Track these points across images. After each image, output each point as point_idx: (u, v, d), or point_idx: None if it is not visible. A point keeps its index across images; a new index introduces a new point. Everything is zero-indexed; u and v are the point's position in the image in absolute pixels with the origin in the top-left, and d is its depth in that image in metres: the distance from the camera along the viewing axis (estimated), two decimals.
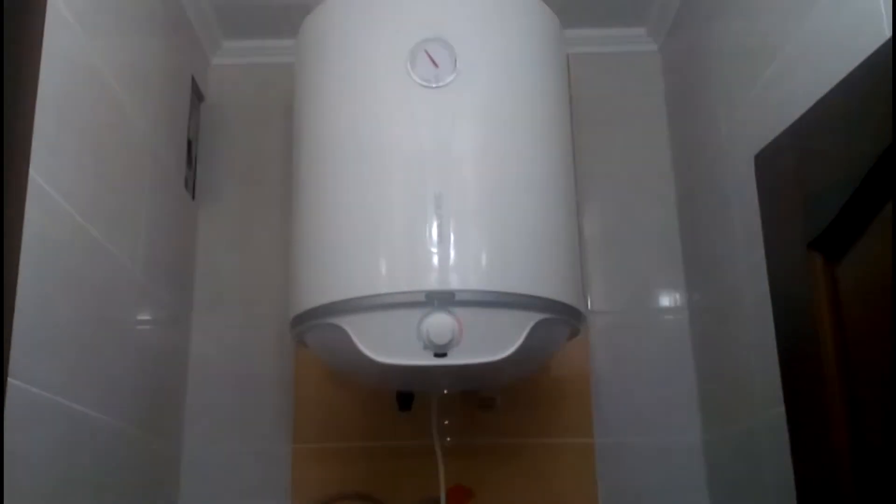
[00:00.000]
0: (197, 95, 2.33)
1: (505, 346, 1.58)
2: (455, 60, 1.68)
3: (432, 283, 1.57)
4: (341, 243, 1.65)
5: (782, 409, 1.36)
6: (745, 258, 1.81)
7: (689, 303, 2.24)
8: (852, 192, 1.13)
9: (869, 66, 1.11)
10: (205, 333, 2.24)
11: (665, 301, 2.29)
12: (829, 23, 1.41)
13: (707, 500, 2.10)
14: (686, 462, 2.13)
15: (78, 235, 1.51)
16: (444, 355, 1.55)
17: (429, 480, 1.95)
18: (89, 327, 1.56)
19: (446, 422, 2.07)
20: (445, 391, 1.95)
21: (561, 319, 1.67)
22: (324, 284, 1.65)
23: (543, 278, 1.65)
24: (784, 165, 1.34)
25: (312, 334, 1.71)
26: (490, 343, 1.58)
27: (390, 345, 1.58)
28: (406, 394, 1.95)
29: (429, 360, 1.56)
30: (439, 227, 1.59)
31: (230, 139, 2.40)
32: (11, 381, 1.21)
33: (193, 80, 2.28)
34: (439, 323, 1.54)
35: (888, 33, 1.18)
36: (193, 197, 2.29)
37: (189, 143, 2.25)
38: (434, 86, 1.67)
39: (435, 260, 1.59)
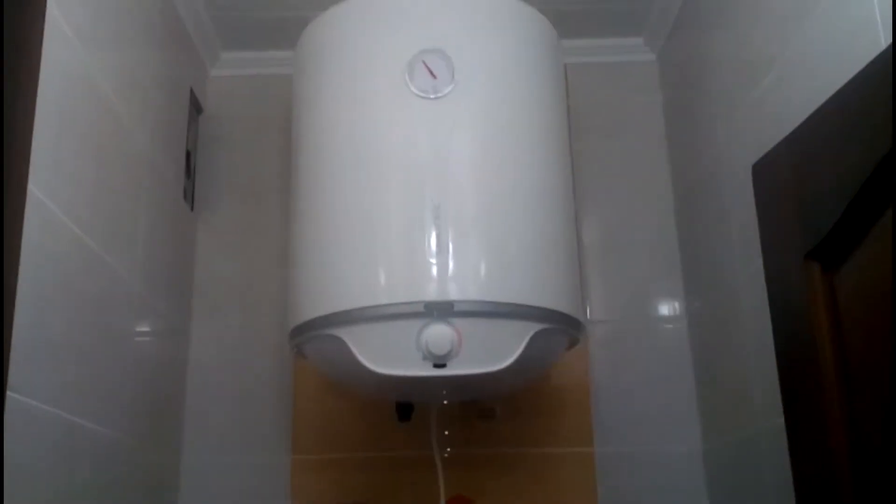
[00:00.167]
0: (195, 107, 2.33)
1: (504, 356, 1.58)
2: (453, 71, 1.69)
3: (431, 293, 1.57)
4: (340, 254, 1.65)
5: (782, 417, 1.36)
6: (743, 267, 1.81)
7: (687, 311, 2.24)
8: (850, 201, 1.13)
9: (866, 76, 1.12)
10: (203, 344, 2.24)
11: (664, 309, 2.29)
12: (826, 33, 1.41)
13: None
14: (686, 470, 2.13)
15: (76, 247, 1.51)
16: (443, 366, 1.56)
17: (429, 491, 1.96)
18: (88, 338, 1.56)
19: (446, 432, 2.07)
20: (445, 401, 1.95)
21: (560, 329, 1.67)
22: (323, 295, 1.65)
23: (542, 288, 1.65)
24: (782, 175, 1.34)
25: (311, 345, 1.71)
26: (489, 353, 1.58)
27: (389, 355, 1.58)
28: (405, 404, 1.94)
29: (428, 371, 1.56)
30: (438, 237, 1.59)
31: (229, 150, 2.40)
32: (10, 393, 1.21)
33: (192, 91, 2.28)
34: (438, 333, 1.55)
35: (885, 43, 1.19)
36: (192, 208, 2.29)
37: (188, 154, 2.25)
38: (432, 97, 1.68)
39: (434, 270, 1.59)
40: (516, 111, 1.75)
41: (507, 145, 1.72)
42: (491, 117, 1.72)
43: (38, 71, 1.32)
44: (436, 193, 1.63)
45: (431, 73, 1.69)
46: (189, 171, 2.27)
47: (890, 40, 1.16)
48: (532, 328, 1.61)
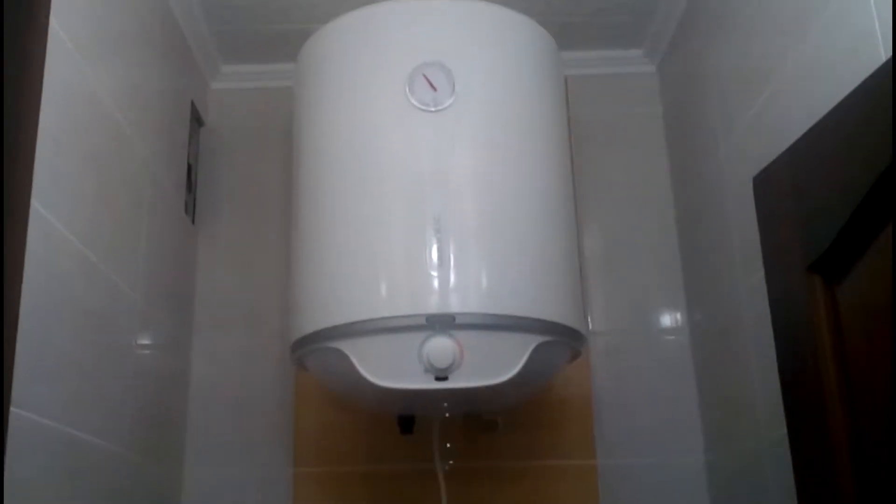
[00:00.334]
0: (196, 120, 2.34)
1: (506, 369, 1.58)
2: (453, 84, 1.69)
3: (433, 306, 1.57)
4: (341, 267, 1.65)
5: (784, 428, 1.36)
6: (745, 278, 1.81)
7: (689, 323, 2.24)
8: (851, 213, 1.13)
9: (866, 90, 1.12)
10: (205, 358, 2.23)
11: (666, 321, 2.29)
12: (826, 46, 1.42)
13: None
14: (689, 483, 2.12)
15: (78, 261, 1.51)
16: (445, 379, 1.55)
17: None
18: (89, 353, 1.56)
19: (448, 445, 2.07)
20: (447, 414, 1.95)
21: (562, 342, 1.67)
22: (324, 308, 1.65)
23: (544, 300, 1.65)
24: (782, 187, 1.35)
25: (313, 358, 1.71)
26: (491, 366, 1.58)
27: (391, 368, 1.58)
28: (407, 417, 1.94)
29: (430, 384, 1.56)
30: (439, 250, 1.59)
31: (230, 163, 2.40)
32: (13, 409, 1.21)
33: (193, 104, 2.29)
34: (440, 346, 1.55)
35: (884, 56, 1.19)
36: (193, 221, 2.30)
37: (189, 168, 2.25)
38: (432, 109, 1.68)
39: (435, 283, 1.59)
40: (517, 123, 1.75)
41: (507, 157, 1.72)
42: (491, 129, 1.73)
43: (41, 86, 1.32)
44: (437, 206, 1.63)
45: (432, 85, 1.70)
46: (190, 184, 2.28)
47: (890, 54, 1.16)
48: (534, 340, 1.61)
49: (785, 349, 1.36)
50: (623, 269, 2.31)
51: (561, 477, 2.12)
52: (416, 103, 1.68)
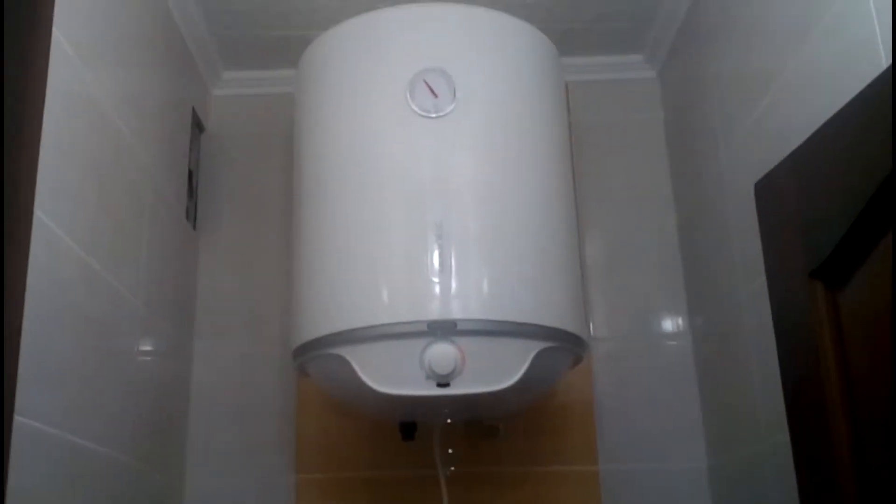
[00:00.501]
0: (197, 126, 2.34)
1: (508, 375, 1.58)
2: (454, 90, 1.69)
3: (434, 312, 1.58)
4: (342, 273, 1.65)
5: (786, 434, 1.36)
6: (746, 284, 1.81)
7: (691, 328, 2.24)
8: (853, 220, 1.13)
9: (866, 97, 1.12)
10: (207, 364, 2.23)
11: (667, 327, 2.29)
12: (826, 52, 1.42)
13: None
14: (691, 488, 2.12)
15: (80, 269, 1.51)
16: (446, 385, 1.56)
17: None
18: (91, 360, 1.56)
19: (450, 450, 2.07)
20: (448, 420, 1.95)
21: (564, 347, 1.68)
22: (326, 315, 1.65)
23: (545, 306, 1.65)
24: (784, 194, 1.35)
25: (315, 365, 1.71)
26: (493, 372, 1.58)
27: (393, 375, 1.58)
28: (409, 423, 1.94)
29: (431, 391, 1.56)
30: (440, 256, 1.59)
31: (231, 169, 2.41)
32: (17, 417, 1.21)
33: (194, 110, 2.29)
34: (441, 353, 1.55)
35: (885, 63, 1.19)
36: (194, 227, 2.30)
37: (190, 174, 2.26)
38: (433, 115, 1.68)
39: (436, 289, 1.59)
40: (518, 129, 1.76)
41: (508, 163, 1.72)
42: (492, 135, 1.73)
43: (44, 93, 1.32)
44: (438, 212, 1.63)
45: (433, 91, 1.70)
46: (191, 190, 2.28)
47: (890, 61, 1.16)
48: (535, 347, 1.61)
49: (786, 355, 1.35)
50: (624, 274, 2.31)
51: (563, 483, 2.12)
52: (416, 109, 1.68)
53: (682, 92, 2.27)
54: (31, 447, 1.28)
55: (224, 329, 2.27)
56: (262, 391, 2.21)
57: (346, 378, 1.60)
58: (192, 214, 2.28)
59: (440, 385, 1.56)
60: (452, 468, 2.05)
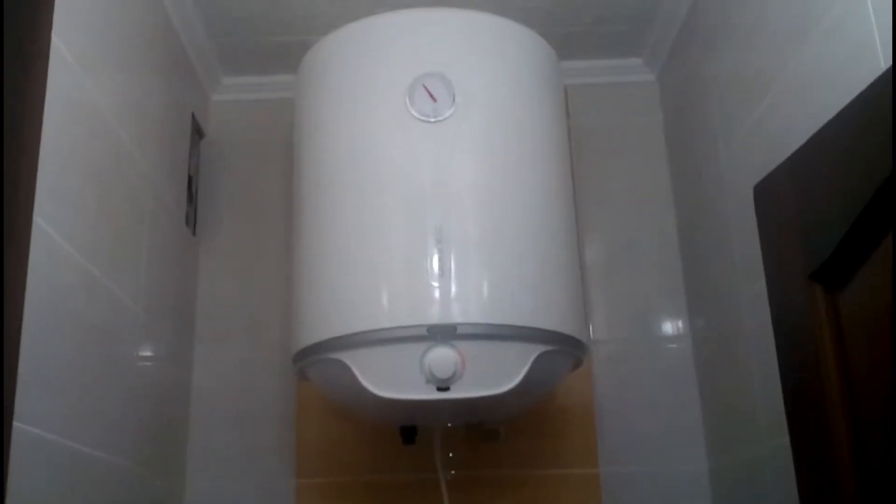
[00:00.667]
0: (197, 132, 2.34)
1: (508, 378, 1.58)
2: (453, 94, 1.69)
3: (434, 316, 1.58)
4: (342, 278, 1.65)
5: (787, 436, 1.36)
6: (746, 286, 1.81)
7: (691, 331, 2.24)
8: (852, 222, 1.13)
9: (866, 99, 1.12)
10: (207, 369, 2.23)
11: (667, 329, 2.29)
12: (825, 54, 1.42)
13: None
14: (692, 491, 2.12)
15: (79, 275, 1.51)
16: (446, 389, 1.56)
17: None
18: (91, 366, 1.56)
19: (450, 454, 2.06)
20: (449, 424, 1.95)
21: (564, 351, 1.67)
22: (326, 319, 1.65)
23: (545, 310, 1.65)
24: (783, 197, 1.35)
25: (315, 369, 1.71)
26: (493, 376, 1.58)
27: (393, 379, 1.58)
28: (409, 427, 1.94)
29: (432, 395, 1.56)
30: (440, 260, 1.59)
31: (231, 175, 2.41)
32: (15, 423, 1.21)
33: (193, 116, 2.29)
34: (442, 357, 1.55)
35: (884, 65, 1.19)
36: (194, 233, 2.30)
37: (189, 180, 2.26)
38: (432, 120, 1.68)
39: (436, 293, 1.59)
40: (517, 133, 1.76)
41: (508, 167, 1.72)
42: (492, 140, 1.73)
43: (43, 100, 1.32)
44: (437, 216, 1.63)
45: (432, 96, 1.70)
46: (191, 196, 2.28)
47: (890, 63, 1.16)
48: (535, 350, 1.61)
49: (787, 357, 1.35)
50: (624, 277, 2.31)
51: (563, 485, 2.12)
52: (416, 114, 1.68)
53: (682, 95, 2.27)
54: (30, 453, 1.28)
55: (224, 334, 2.27)
56: (262, 396, 2.21)
57: (346, 382, 1.60)
58: (191, 220, 2.28)
59: (440, 389, 1.55)
60: (453, 472, 2.05)
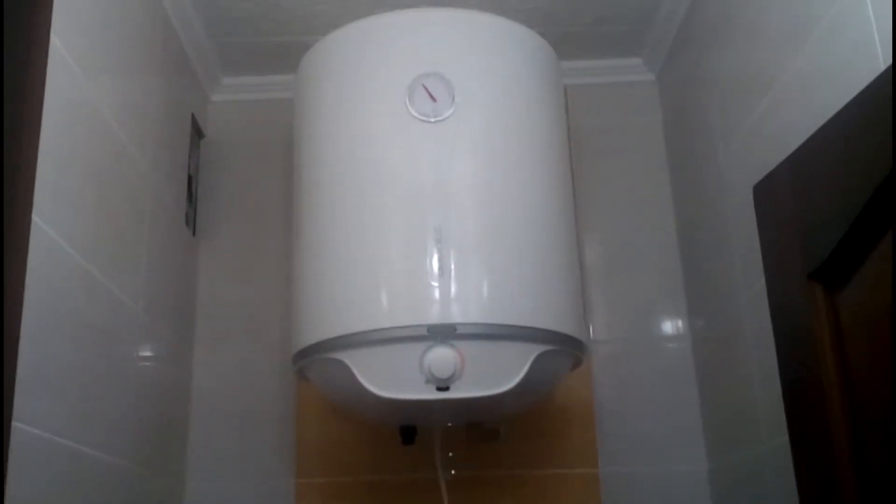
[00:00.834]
0: (197, 132, 2.34)
1: (507, 378, 1.58)
2: (453, 94, 1.70)
3: (433, 316, 1.58)
4: (342, 278, 1.65)
5: (786, 436, 1.36)
6: (746, 286, 1.81)
7: (691, 331, 2.24)
8: (852, 222, 1.13)
9: (865, 98, 1.12)
10: (207, 369, 2.23)
11: (667, 329, 2.29)
12: (825, 54, 1.42)
13: None
14: (691, 491, 2.12)
15: (79, 275, 1.51)
16: (446, 389, 1.55)
17: None
18: (91, 367, 1.56)
19: (450, 454, 2.06)
20: (448, 423, 1.95)
21: (563, 350, 1.67)
22: (325, 319, 1.65)
23: (545, 310, 1.65)
24: (783, 196, 1.35)
25: (314, 369, 1.71)
26: (492, 376, 1.58)
27: (392, 379, 1.58)
28: (409, 427, 1.94)
29: (431, 395, 1.56)
30: (440, 260, 1.59)
31: (230, 175, 2.41)
32: (15, 423, 1.21)
33: (193, 117, 2.29)
34: (441, 357, 1.55)
35: (884, 65, 1.19)
36: (194, 233, 2.30)
37: (189, 180, 2.26)
38: (432, 120, 1.68)
39: (436, 293, 1.59)
40: (517, 133, 1.76)
41: (507, 167, 1.72)
42: (491, 140, 1.73)
43: (42, 101, 1.32)
44: (437, 216, 1.63)
45: (431, 96, 1.70)
46: (191, 196, 2.28)
47: (889, 62, 1.16)
48: (535, 350, 1.61)
49: (786, 357, 1.35)
50: (624, 277, 2.31)
51: (563, 485, 2.12)
52: (415, 114, 1.68)
53: (681, 94, 2.27)
54: (30, 453, 1.28)
55: (224, 334, 2.27)
56: (262, 396, 2.21)
57: (345, 382, 1.60)
58: (191, 220, 2.28)
59: (440, 389, 1.55)
60: (453, 472, 2.05)
